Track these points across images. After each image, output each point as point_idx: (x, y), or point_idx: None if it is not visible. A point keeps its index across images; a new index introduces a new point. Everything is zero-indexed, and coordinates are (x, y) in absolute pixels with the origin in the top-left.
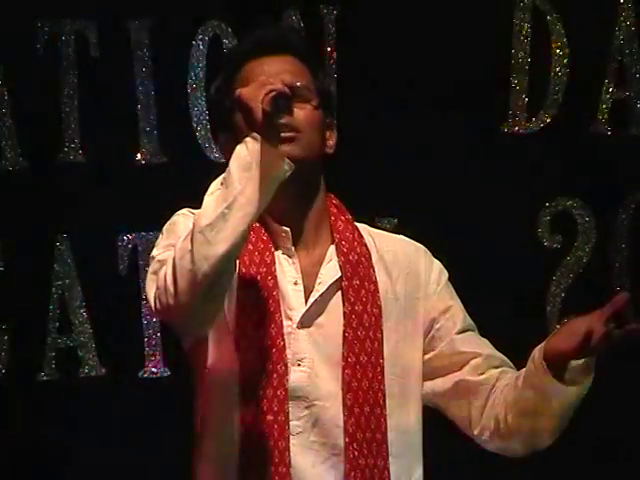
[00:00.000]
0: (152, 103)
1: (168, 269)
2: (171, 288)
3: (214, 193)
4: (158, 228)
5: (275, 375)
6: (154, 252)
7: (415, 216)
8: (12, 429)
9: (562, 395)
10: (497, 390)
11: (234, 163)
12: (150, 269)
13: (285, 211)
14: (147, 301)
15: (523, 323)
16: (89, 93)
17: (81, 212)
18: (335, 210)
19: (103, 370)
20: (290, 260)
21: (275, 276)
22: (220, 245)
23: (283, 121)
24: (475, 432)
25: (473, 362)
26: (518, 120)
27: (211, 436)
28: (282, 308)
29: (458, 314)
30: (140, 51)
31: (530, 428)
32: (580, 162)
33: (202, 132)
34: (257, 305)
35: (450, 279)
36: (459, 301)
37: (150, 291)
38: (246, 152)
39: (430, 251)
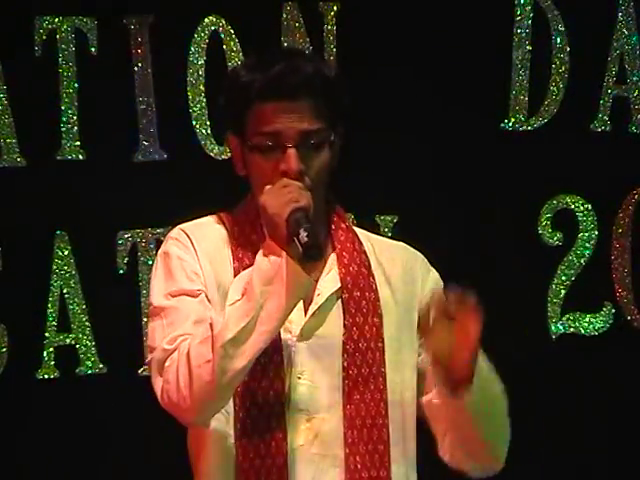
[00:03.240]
0: (151, 100)
1: (182, 369)
2: (184, 392)
3: (235, 304)
4: (158, 225)
5: (272, 392)
6: (153, 297)
7: (415, 213)
8: (11, 427)
9: (455, 409)
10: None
11: (256, 275)
12: (155, 355)
13: None
14: (154, 390)
15: (524, 320)
16: (88, 91)
17: (80, 210)
18: (336, 218)
19: (102, 368)
20: None
21: None
22: (240, 360)
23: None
24: (440, 453)
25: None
26: (519, 117)
27: (206, 456)
28: None
29: None
30: (139, 48)
31: (465, 454)
32: (581, 159)
33: (201, 129)
34: None
35: (450, 276)
36: None
37: (156, 380)
38: (268, 266)
39: (430, 249)
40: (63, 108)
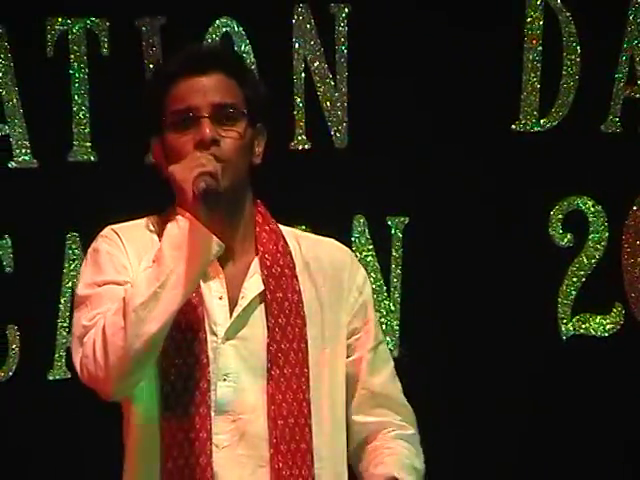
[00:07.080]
0: None
1: (98, 341)
2: (101, 361)
3: (146, 270)
4: None
5: (198, 393)
6: (79, 288)
7: (427, 214)
8: (23, 428)
9: None
10: (368, 450)
11: (166, 241)
12: (75, 330)
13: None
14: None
15: (534, 322)
16: (100, 92)
17: (92, 211)
18: (260, 219)
19: None
20: (215, 275)
21: (200, 293)
22: (152, 324)
23: (211, 152)
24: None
25: (361, 397)
26: (530, 119)
27: (132, 455)
28: (206, 324)
29: (373, 329)
30: (151, 50)
31: None
32: (591, 161)
33: None
34: (180, 324)
35: (460, 278)
36: (375, 314)
37: (76, 357)
38: (177, 231)
39: (441, 250)
40: (75, 109)
